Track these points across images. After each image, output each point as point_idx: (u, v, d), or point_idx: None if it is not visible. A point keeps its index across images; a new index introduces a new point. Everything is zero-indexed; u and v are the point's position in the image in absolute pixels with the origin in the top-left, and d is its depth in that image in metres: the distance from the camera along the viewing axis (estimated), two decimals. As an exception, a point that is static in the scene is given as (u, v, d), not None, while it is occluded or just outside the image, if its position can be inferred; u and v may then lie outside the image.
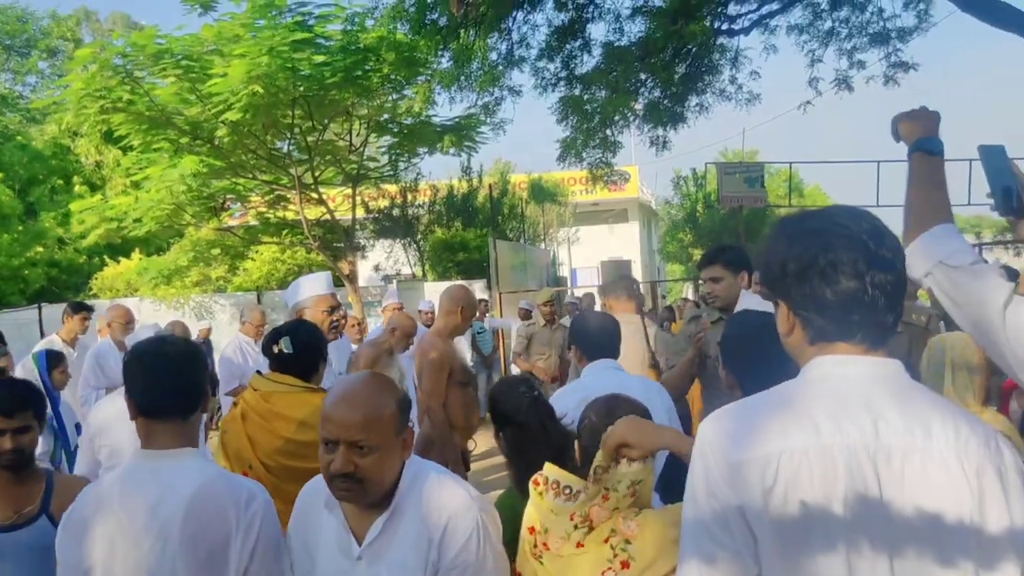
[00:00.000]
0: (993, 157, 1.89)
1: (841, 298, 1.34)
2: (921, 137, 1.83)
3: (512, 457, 2.60)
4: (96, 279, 18.43)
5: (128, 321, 6.71)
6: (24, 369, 5.88)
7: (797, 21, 11.84)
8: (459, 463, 4.46)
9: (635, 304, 4.59)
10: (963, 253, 1.64)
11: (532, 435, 2.52)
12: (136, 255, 18.01)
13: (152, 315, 15.79)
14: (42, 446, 5.14)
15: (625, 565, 1.93)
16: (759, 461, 1.29)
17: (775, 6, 11.42)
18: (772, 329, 1.50)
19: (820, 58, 11.68)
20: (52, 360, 5.80)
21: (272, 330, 3.25)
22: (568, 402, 2.84)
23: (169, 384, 2.14)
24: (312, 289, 4.03)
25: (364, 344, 5.74)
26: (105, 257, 18.68)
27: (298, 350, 3.12)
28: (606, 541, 1.96)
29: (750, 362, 2.23)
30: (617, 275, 5.76)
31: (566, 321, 9.12)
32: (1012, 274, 6.02)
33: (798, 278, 1.37)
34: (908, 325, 3.85)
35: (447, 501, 2.01)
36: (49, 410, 5.36)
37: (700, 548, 1.32)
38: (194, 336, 7.09)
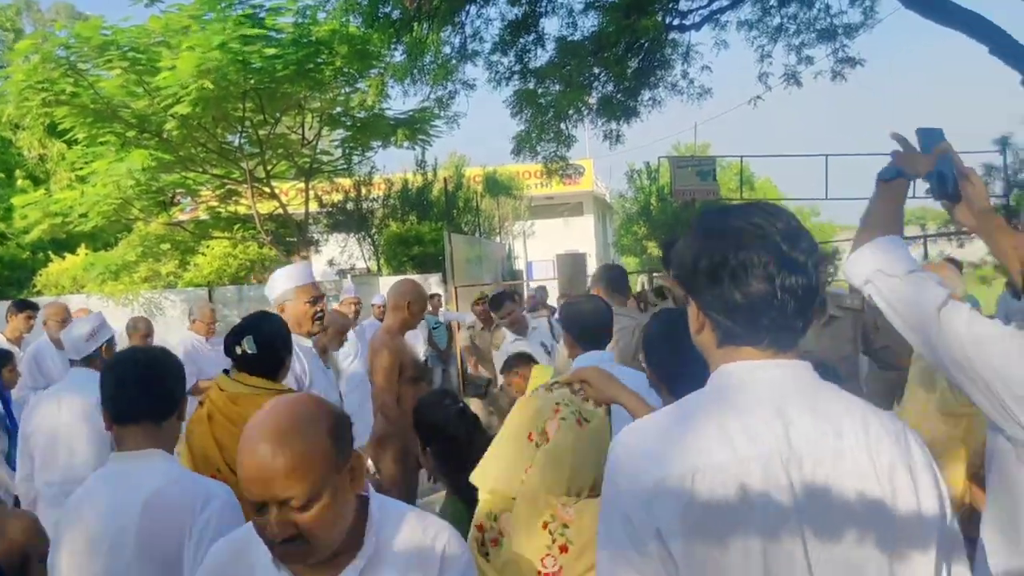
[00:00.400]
0: (931, 141, 1.89)
1: (750, 301, 1.31)
2: (884, 167, 1.87)
3: (442, 471, 2.62)
4: (40, 275, 17.98)
5: (64, 318, 6.55)
6: None
7: (747, 17, 12.03)
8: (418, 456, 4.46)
9: (621, 296, 4.56)
10: (901, 262, 1.67)
11: (460, 447, 2.56)
12: (82, 250, 17.60)
13: (100, 311, 15.47)
14: None
15: (563, 549, 1.96)
16: (674, 480, 1.26)
17: (725, 2, 11.58)
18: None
19: (769, 54, 11.89)
20: (1, 358, 5.66)
21: (233, 328, 3.12)
22: None
23: (138, 390, 2.12)
24: (291, 280, 3.95)
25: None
26: (50, 253, 18.23)
27: (262, 349, 3.01)
28: (544, 527, 1.98)
29: (671, 359, 2.19)
30: (604, 265, 5.69)
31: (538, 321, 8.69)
32: (957, 265, 6.17)
33: (708, 277, 1.34)
34: (846, 310, 3.94)
35: (435, 539, 1.70)
36: (1, 409, 5.25)
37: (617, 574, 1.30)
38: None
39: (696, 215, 1.47)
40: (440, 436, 2.64)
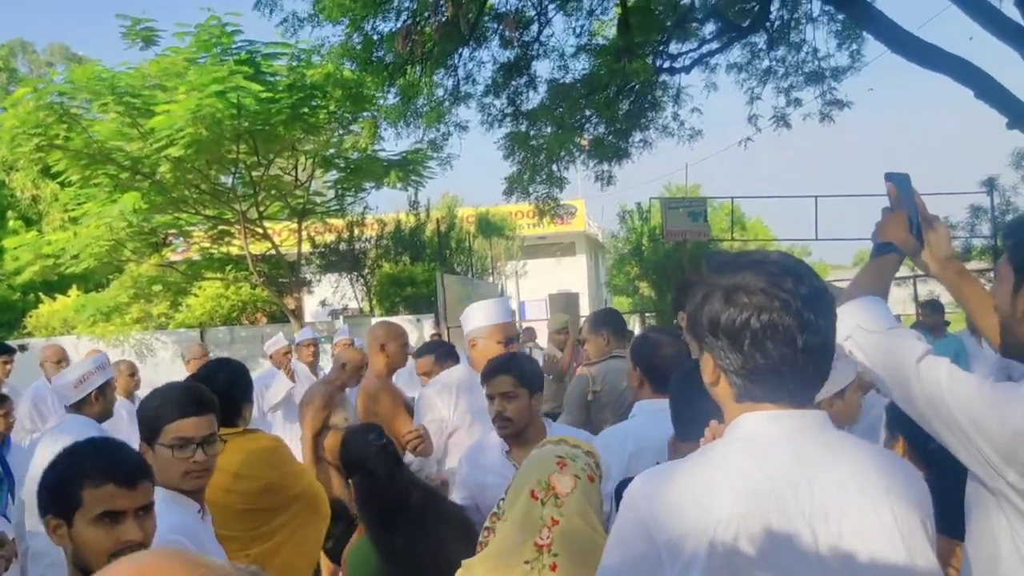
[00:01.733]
0: (899, 186, 1.90)
1: (771, 364, 1.30)
2: (878, 243, 1.88)
3: (361, 505, 2.60)
4: (31, 317, 17.90)
5: (59, 360, 6.45)
6: None
7: (736, 60, 12.19)
8: None
9: (624, 341, 4.70)
10: (881, 319, 1.69)
11: (379, 483, 2.56)
12: (73, 292, 17.55)
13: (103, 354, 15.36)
14: None
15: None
16: (697, 531, 1.25)
17: (714, 45, 11.73)
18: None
19: (759, 96, 12.01)
20: None
21: (194, 375, 3.15)
22: (615, 450, 2.62)
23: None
24: (486, 317, 3.64)
25: (316, 383, 5.64)
26: (40, 294, 18.17)
27: (218, 397, 3.00)
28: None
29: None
30: (606, 311, 5.83)
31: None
32: (936, 307, 6.18)
33: (728, 338, 1.32)
34: None
35: None
36: None
37: None
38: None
39: (711, 262, 1.43)
40: (361, 470, 2.63)
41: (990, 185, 14.12)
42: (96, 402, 4.12)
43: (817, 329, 1.31)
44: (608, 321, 4.86)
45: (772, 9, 11.32)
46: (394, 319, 15.34)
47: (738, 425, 1.36)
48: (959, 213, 15.51)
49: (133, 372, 6.86)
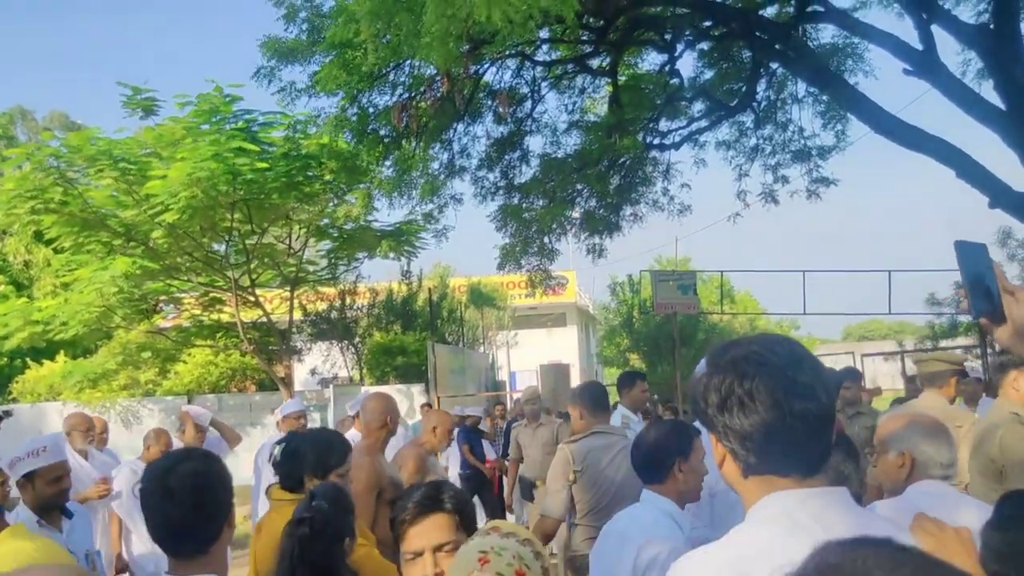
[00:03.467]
0: (971, 255, 1.78)
1: (759, 429, 1.31)
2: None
3: None
4: (17, 382, 17.75)
5: (87, 428, 6.31)
6: None
7: (724, 138, 12.44)
8: None
9: (604, 414, 4.65)
10: None
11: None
12: (61, 358, 17.44)
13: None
14: None
15: None
16: None
17: (703, 123, 11.99)
18: None
19: (747, 172, 12.22)
20: None
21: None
22: None
23: (177, 524, 1.96)
24: None
25: (407, 446, 5.47)
26: (27, 359, 18.05)
27: (283, 460, 3.38)
28: None
29: None
30: (582, 383, 5.77)
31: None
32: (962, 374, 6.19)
33: (719, 409, 1.35)
34: None
35: None
36: None
37: None
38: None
39: (712, 349, 1.45)
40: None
41: (975, 262, 14.29)
42: (25, 491, 3.79)
43: (803, 390, 1.30)
44: (583, 394, 4.67)
45: (759, 90, 11.62)
46: (384, 388, 15.28)
47: (761, 507, 1.34)
48: (945, 290, 15.70)
49: (103, 430, 6.72)
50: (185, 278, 13.56)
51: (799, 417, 1.30)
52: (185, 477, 1.94)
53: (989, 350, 14.16)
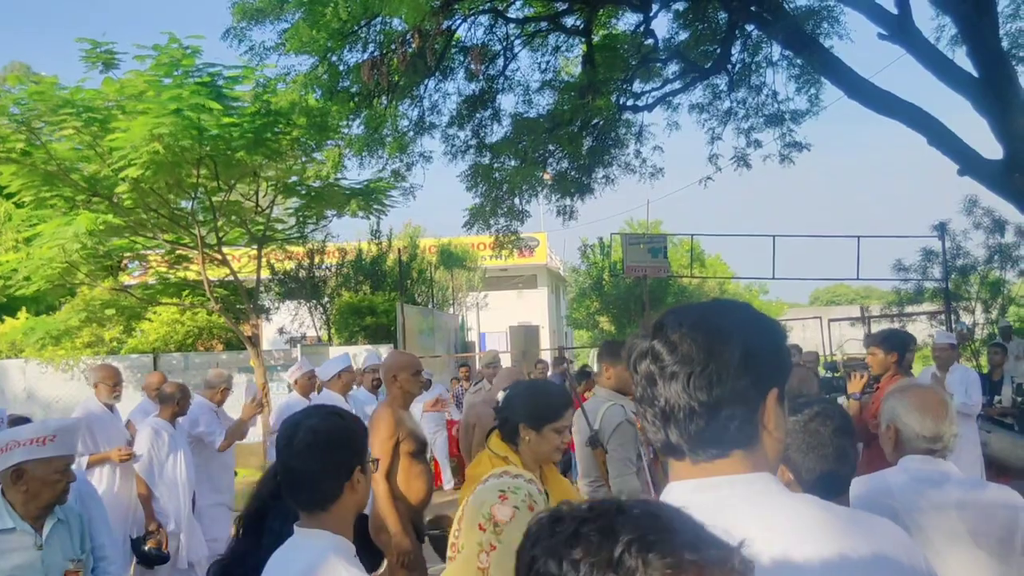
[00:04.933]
0: None
1: (653, 411, 1.24)
2: None
3: None
4: (-23, 339, 17.45)
5: (116, 383, 6.24)
6: None
7: (698, 100, 12.41)
8: (406, 536, 4.29)
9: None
10: None
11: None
12: (23, 314, 17.15)
13: (39, 378, 15.01)
14: None
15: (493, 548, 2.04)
16: None
17: (677, 85, 11.93)
18: None
19: (719, 136, 12.21)
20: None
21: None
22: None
23: (297, 477, 2.04)
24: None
25: (481, 404, 5.46)
26: (-11, 315, 17.73)
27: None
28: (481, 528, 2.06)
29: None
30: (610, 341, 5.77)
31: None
32: (908, 339, 6.34)
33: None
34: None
35: None
36: None
37: None
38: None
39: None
40: None
41: (941, 230, 14.45)
42: (11, 486, 3.05)
43: (686, 382, 1.20)
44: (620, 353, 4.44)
45: (733, 52, 11.56)
46: (352, 348, 15.21)
47: (663, 496, 1.26)
48: (912, 256, 15.87)
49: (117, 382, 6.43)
50: (150, 235, 13.30)
51: (676, 396, 1.20)
52: (308, 432, 2.01)
53: (953, 316, 14.38)
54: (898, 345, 5.21)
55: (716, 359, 1.20)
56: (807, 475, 2.18)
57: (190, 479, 6.08)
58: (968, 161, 9.05)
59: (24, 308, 17.38)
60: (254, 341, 13.39)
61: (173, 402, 6.08)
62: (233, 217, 13.75)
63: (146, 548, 5.75)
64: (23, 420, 4.71)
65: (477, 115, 11.82)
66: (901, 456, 2.56)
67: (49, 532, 3.11)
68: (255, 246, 14.32)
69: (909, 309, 16.22)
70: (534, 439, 2.77)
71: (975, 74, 8.84)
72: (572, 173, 11.96)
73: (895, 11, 9.11)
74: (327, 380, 6.81)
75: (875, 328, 15.98)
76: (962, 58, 9.43)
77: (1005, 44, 9.75)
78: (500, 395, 5.07)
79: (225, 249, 13.97)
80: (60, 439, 3.05)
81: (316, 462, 2.00)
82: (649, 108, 11.96)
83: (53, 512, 3.14)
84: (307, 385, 7.38)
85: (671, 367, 1.21)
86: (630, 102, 11.91)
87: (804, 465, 2.20)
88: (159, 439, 5.96)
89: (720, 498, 1.19)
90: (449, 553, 2.20)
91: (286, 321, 18.79)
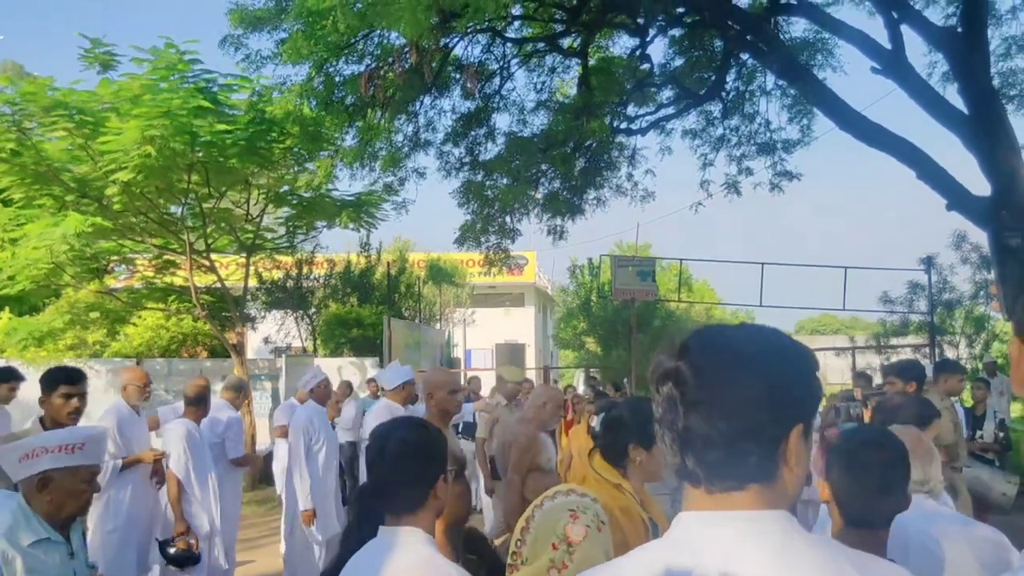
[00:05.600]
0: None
1: (660, 426, 1.22)
2: None
3: None
4: (-41, 337, 17.28)
5: (145, 384, 6.23)
6: None
7: (691, 126, 12.49)
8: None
9: None
10: None
11: None
12: (5, 314, 17.00)
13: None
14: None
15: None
16: None
17: (671, 110, 12.00)
18: None
19: (711, 162, 12.29)
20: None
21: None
22: None
23: (383, 484, 2.19)
24: None
25: (518, 422, 5.40)
26: (-29, 314, 17.57)
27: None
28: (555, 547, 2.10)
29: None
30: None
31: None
32: (867, 378, 6.34)
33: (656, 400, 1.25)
34: None
35: None
36: None
37: None
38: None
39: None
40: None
41: (928, 264, 14.56)
42: (36, 494, 2.89)
43: (707, 410, 1.17)
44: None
45: (728, 80, 11.65)
46: (338, 360, 15.16)
47: (674, 524, 1.23)
48: (898, 289, 15.99)
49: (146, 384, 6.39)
50: (139, 239, 13.24)
51: (699, 424, 1.17)
52: (398, 443, 2.18)
53: (936, 349, 14.45)
54: (916, 376, 5.26)
55: (738, 389, 1.16)
56: (846, 499, 2.20)
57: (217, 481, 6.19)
58: (956, 197, 9.12)
59: (7, 308, 17.24)
60: (239, 349, 13.33)
61: (204, 403, 6.18)
62: (223, 224, 13.71)
63: (172, 551, 5.73)
64: None
65: (472, 133, 11.86)
66: None
67: (74, 540, 3.02)
68: (244, 254, 14.27)
69: (894, 341, 16.31)
70: (645, 459, 2.76)
71: (965, 111, 8.92)
72: (564, 193, 12.00)
73: (888, 46, 9.20)
74: (391, 390, 6.83)
75: (860, 360, 16.05)
76: (953, 95, 9.52)
77: (996, 82, 9.86)
78: (533, 412, 5.04)
79: (213, 256, 13.92)
80: (88, 448, 2.96)
81: (406, 470, 2.15)
82: (643, 132, 12.02)
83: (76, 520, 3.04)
84: (323, 394, 7.37)
85: (692, 392, 1.17)
86: (624, 125, 11.98)
87: (844, 488, 2.21)
88: (191, 440, 6.01)
89: (733, 533, 1.15)
90: (509, 561, 2.21)
91: (272, 330, 18.72)
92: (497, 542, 3.33)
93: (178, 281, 14.99)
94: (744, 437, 1.16)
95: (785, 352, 1.22)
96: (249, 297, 16.08)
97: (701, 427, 1.16)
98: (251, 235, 13.98)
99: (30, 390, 6.86)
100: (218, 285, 14.07)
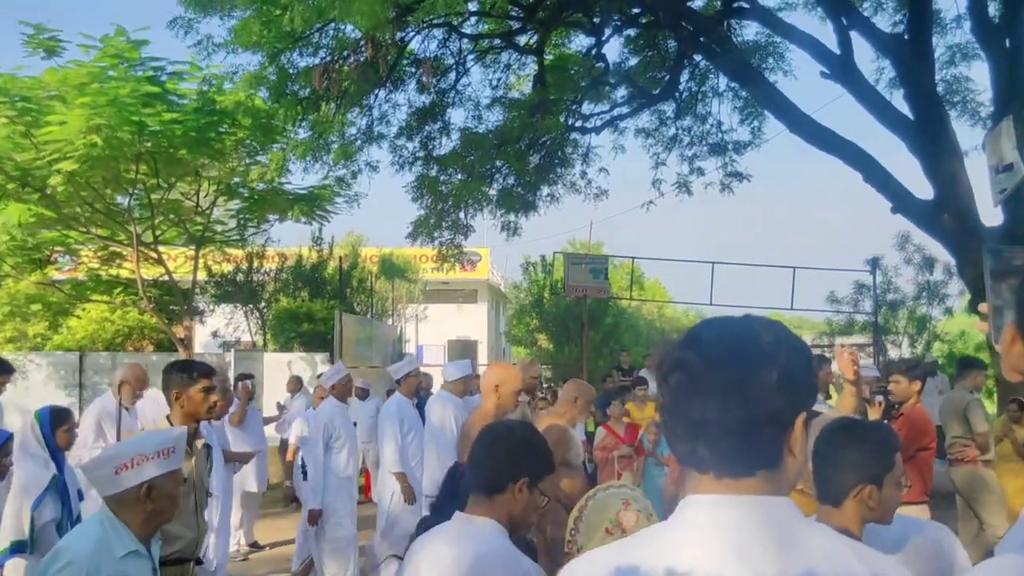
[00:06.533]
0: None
1: (670, 414, 1.24)
2: None
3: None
4: None
5: (142, 388, 6.29)
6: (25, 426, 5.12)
7: (644, 125, 12.61)
8: None
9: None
10: None
11: None
12: (-57, 305, 16.51)
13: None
14: (50, 513, 4.56)
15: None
16: None
17: (625, 109, 12.10)
18: None
19: (664, 161, 12.42)
20: (56, 417, 4.98)
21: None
22: None
23: (479, 465, 2.40)
24: None
25: (547, 417, 5.37)
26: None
27: None
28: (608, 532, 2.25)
29: None
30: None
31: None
32: (827, 362, 6.45)
33: (659, 385, 1.27)
34: None
35: None
36: (56, 472, 4.73)
37: None
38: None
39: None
40: None
41: (874, 265, 14.88)
42: (134, 503, 2.75)
43: (723, 398, 1.19)
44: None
45: (681, 80, 11.78)
46: (288, 355, 14.99)
47: (681, 507, 1.25)
48: (845, 289, 16.33)
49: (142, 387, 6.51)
50: (84, 229, 12.93)
51: (712, 413, 1.19)
52: (500, 428, 2.53)
53: (880, 349, 14.80)
54: (921, 375, 5.40)
55: (756, 378, 1.19)
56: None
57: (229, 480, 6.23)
58: (901, 200, 9.35)
59: (-56, 299, 16.74)
60: (186, 343, 13.10)
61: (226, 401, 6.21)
62: (171, 216, 13.45)
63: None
64: None
65: (426, 127, 11.82)
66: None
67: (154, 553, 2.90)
68: (193, 246, 14.03)
69: (839, 340, 16.64)
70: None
71: (911, 117, 9.15)
72: (518, 190, 12.03)
73: (838, 51, 9.39)
74: (451, 382, 6.76)
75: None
76: (899, 100, 9.77)
77: (940, 89, 10.13)
78: (564, 407, 5.06)
79: (161, 248, 13.66)
80: (178, 450, 2.89)
81: (498, 453, 2.36)
82: (597, 130, 12.11)
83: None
84: (345, 390, 7.28)
85: (708, 381, 1.20)
86: (578, 123, 12.04)
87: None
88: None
89: (740, 517, 1.18)
90: (565, 549, 2.36)
91: (221, 324, 18.43)
92: None
93: (124, 273, 14.66)
94: (760, 424, 1.19)
95: (792, 341, 1.26)
96: (198, 290, 15.80)
97: (717, 415, 1.18)
98: (201, 227, 13.74)
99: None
100: (166, 278, 13.81)
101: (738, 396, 1.18)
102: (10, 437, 4.81)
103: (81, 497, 5.00)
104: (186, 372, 4.01)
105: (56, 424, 4.92)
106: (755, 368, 1.20)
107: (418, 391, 7.93)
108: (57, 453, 4.86)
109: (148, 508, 2.74)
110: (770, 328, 1.27)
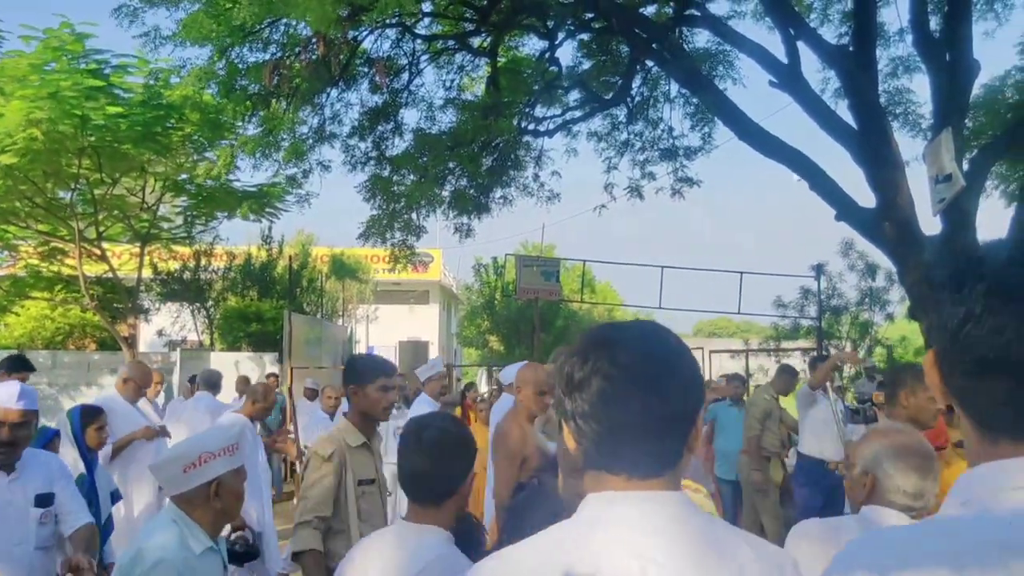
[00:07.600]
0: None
1: (589, 419, 1.22)
2: None
3: None
4: None
5: (146, 385, 6.27)
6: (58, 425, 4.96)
7: (597, 129, 12.69)
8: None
9: None
10: None
11: None
12: None
13: None
14: None
15: None
16: None
17: (578, 113, 12.16)
18: None
19: (616, 166, 12.51)
20: (87, 415, 4.81)
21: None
22: None
23: (419, 473, 2.22)
24: None
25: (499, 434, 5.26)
26: None
27: None
28: None
29: None
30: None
31: None
32: (791, 371, 6.53)
33: (564, 391, 1.26)
34: None
35: None
36: (84, 472, 4.58)
37: None
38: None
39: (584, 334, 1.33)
40: None
41: (818, 271, 15.17)
42: (205, 502, 2.73)
43: (650, 392, 1.21)
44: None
45: (633, 85, 11.88)
46: (236, 355, 14.77)
47: (582, 507, 1.25)
48: (791, 294, 16.63)
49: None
50: (23, 224, 12.59)
51: (634, 415, 1.20)
52: (434, 432, 2.22)
53: (824, 353, 15.08)
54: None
55: (671, 377, 1.22)
56: None
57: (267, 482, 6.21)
58: (845, 208, 9.52)
59: None
60: (131, 342, 12.85)
61: (264, 400, 6.08)
62: (116, 212, 13.18)
63: (236, 546, 5.52)
64: None
65: (379, 128, 11.74)
66: (868, 504, 2.34)
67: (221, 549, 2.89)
68: (138, 243, 13.75)
69: (785, 344, 16.94)
70: None
71: (855, 126, 9.33)
72: (471, 191, 12.01)
73: (785, 60, 9.54)
74: (425, 382, 6.70)
75: (752, 362, 16.60)
76: (844, 110, 9.95)
77: (883, 100, 10.36)
78: (516, 403, 4.95)
79: (105, 245, 13.37)
80: (241, 447, 2.89)
81: (442, 460, 2.19)
82: (550, 133, 12.15)
83: None
84: (437, 387, 7.20)
85: (629, 384, 1.21)
86: (531, 126, 12.07)
87: None
88: (244, 437, 5.81)
89: (643, 513, 1.20)
90: None
91: (167, 323, 18.08)
92: None
93: (66, 270, 14.32)
94: (676, 422, 1.23)
95: (684, 343, 1.30)
96: (143, 288, 15.50)
97: (640, 416, 1.20)
98: (146, 224, 13.48)
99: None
100: (110, 275, 13.52)
101: (657, 396, 1.21)
102: (56, 434, 4.69)
103: (115, 499, 4.88)
104: (363, 368, 3.85)
105: (87, 422, 4.78)
106: (670, 368, 1.24)
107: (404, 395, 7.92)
108: (87, 452, 4.72)
109: (216, 506, 2.74)
110: (667, 331, 1.31)
